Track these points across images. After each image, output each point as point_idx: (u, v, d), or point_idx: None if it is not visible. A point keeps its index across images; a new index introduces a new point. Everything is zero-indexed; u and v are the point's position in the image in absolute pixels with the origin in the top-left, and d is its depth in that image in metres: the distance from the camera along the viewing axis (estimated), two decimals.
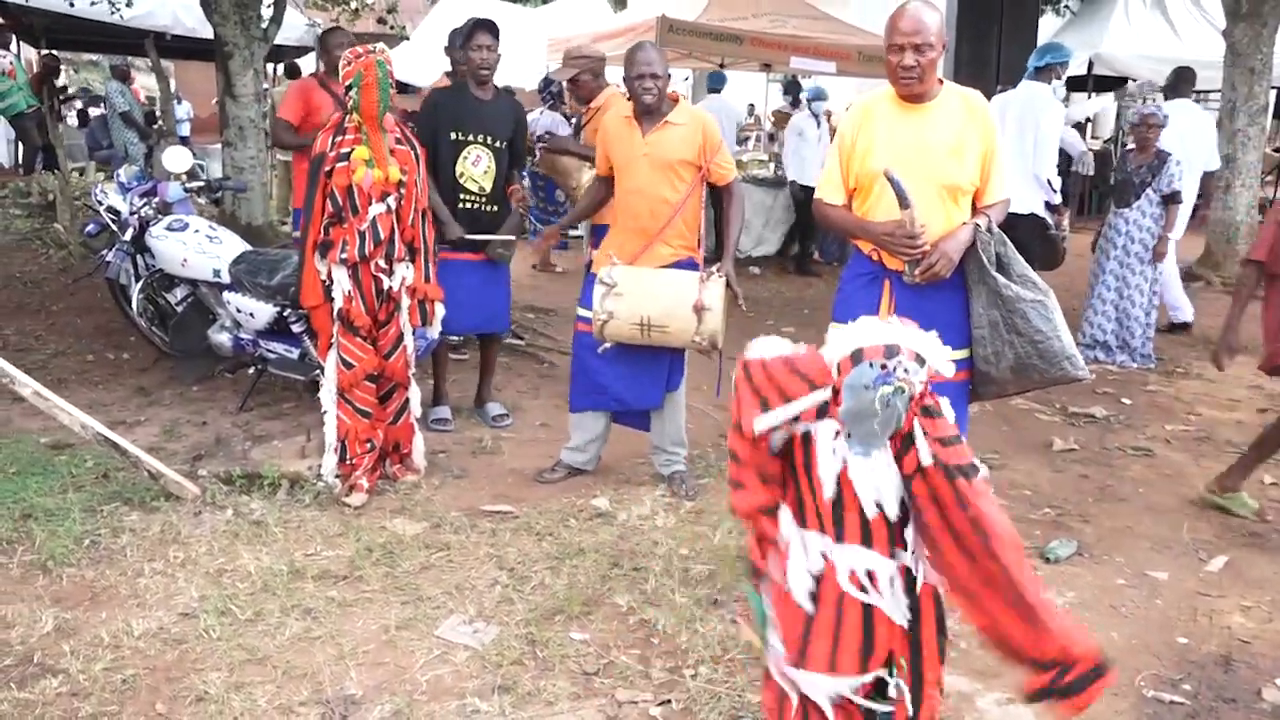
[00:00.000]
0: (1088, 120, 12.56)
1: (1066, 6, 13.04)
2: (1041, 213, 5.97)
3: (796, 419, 1.83)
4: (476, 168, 4.38)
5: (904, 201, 2.75)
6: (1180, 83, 7.40)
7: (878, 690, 1.88)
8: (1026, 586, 1.73)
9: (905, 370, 1.69)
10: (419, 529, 3.56)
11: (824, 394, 1.81)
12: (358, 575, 3.21)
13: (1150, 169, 6.03)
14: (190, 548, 3.35)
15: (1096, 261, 6.27)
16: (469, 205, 4.38)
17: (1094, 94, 13.70)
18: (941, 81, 2.92)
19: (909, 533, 1.84)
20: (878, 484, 1.80)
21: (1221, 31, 8.93)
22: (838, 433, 1.80)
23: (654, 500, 3.86)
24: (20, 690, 2.55)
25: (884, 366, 1.69)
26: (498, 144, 4.41)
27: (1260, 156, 9.05)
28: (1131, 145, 6.28)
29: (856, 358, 1.72)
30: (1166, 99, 7.56)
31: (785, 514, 1.92)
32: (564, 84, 7.96)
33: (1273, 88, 9.67)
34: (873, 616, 1.86)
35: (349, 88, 3.61)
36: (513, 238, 4.57)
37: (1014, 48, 9.06)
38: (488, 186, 4.41)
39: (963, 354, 2.97)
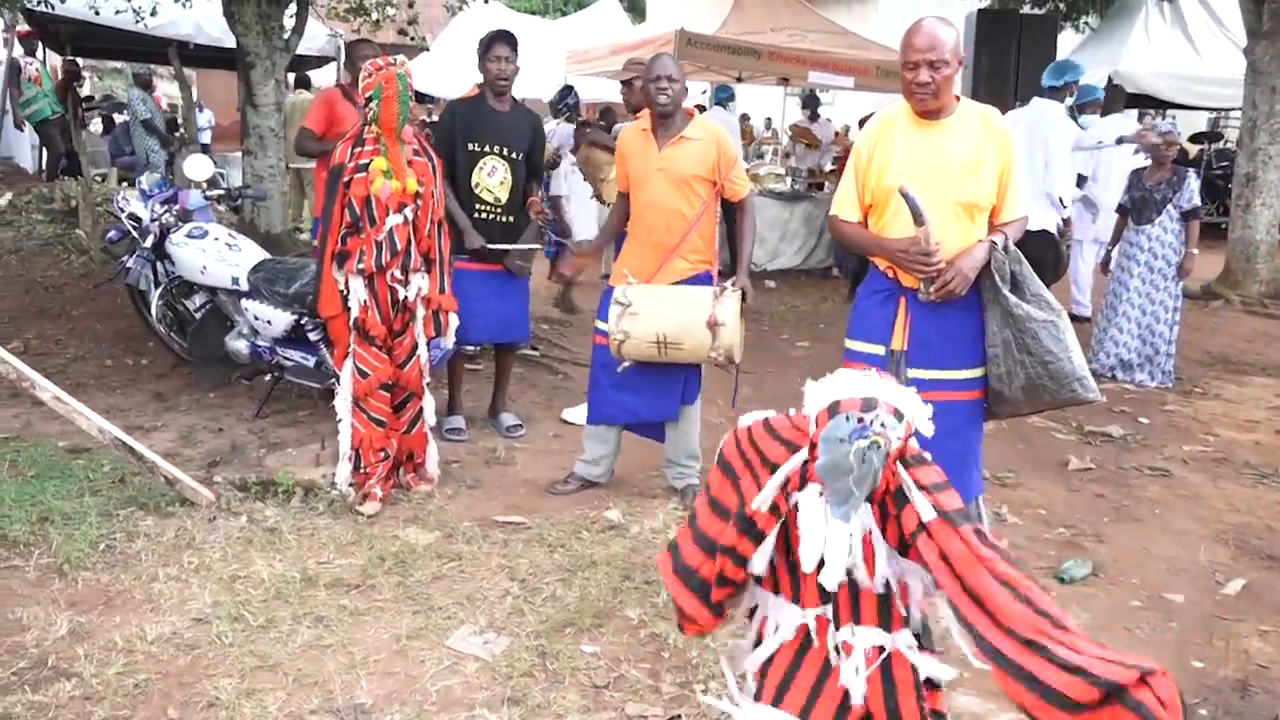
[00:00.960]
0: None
1: (1086, 23, 13.00)
2: (1052, 229, 5.95)
3: (786, 487, 1.79)
4: (492, 178, 4.40)
5: (919, 218, 2.74)
6: (1113, 100, 7.51)
7: None
8: (1050, 628, 1.62)
9: (882, 424, 1.66)
10: (431, 538, 3.57)
11: (804, 454, 1.78)
12: (370, 584, 3.22)
13: (1170, 185, 6.01)
14: (204, 553, 3.37)
15: (1116, 280, 6.23)
16: (484, 216, 4.41)
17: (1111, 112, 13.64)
18: (959, 98, 2.91)
19: (887, 607, 1.82)
20: (854, 550, 1.75)
21: (1242, 49, 8.89)
22: (821, 493, 1.75)
23: (667, 513, 3.86)
24: (34, 693, 2.57)
25: (860, 420, 1.65)
26: (514, 155, 4.43)
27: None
28: (1147, 163, 6.25)
29: (833, 410, 1.69)
30: (1103, 115, 7.67)
31: (763, 594, 1.92)
32: (579, 97, 8.02)
33: None
34: (847, 696, 1.83)
35: (369, 99, 3.64)
36: (535, 246, 4.60)
37: (1033, 63, 9.02)
38: (504, 197, 4.43)
39: (977, 372, 2.96)
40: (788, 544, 1.85)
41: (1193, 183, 5.99)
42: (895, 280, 2.93)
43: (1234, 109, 10.89)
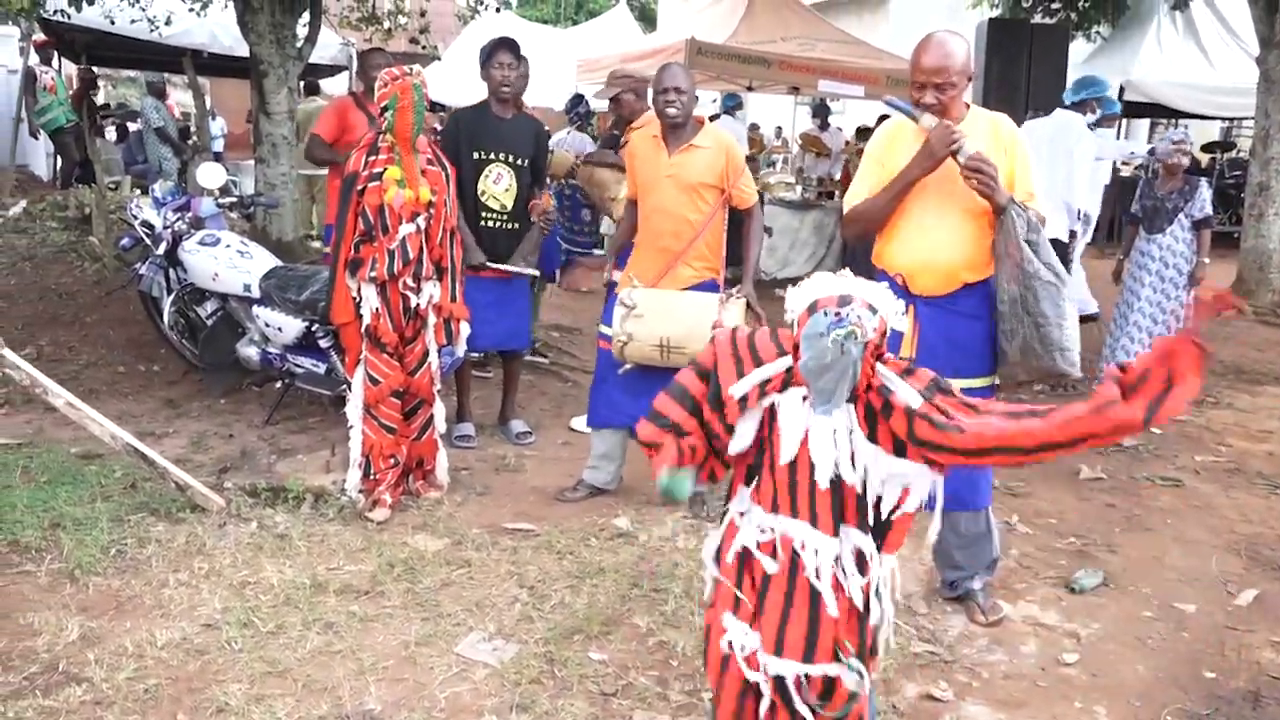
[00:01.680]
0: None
1: (1098, 33, 12.98)
2: (1064, 238, 5.95)
3: (766, 387, 1.88)
4: (498, 186, 4.42)
5: (914, 116, 2.80)
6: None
7: (825, 692, 1.91)
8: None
9: (858, 316, 1.75)
10: (440, 545, 3.57)
11: (789, 359, 1.87)
12: (379, 590, 3.22)
13: (1182, 194, 5.98)
14: (214, 559, 3.38)
15: (1128, 289, 6.21)
16: (491, 224, 4.43)
17: (1125, 120, 13.62)
18: (968, 105, 2.92)
19: (868, 510, 1.89)
20: (838, 446, 1.84)
21: (1255, 58, 8.87)
22: (804, 398, 1.85)
23: (675, 521, 3.85)
24: (45, 698, 2.58)
25: (837, 314, 1.75)
26: (519, 162, 4.46)
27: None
28: (1159, 171, 6.23)
29: (812, 309, 1.79)
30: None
31: (742, 490, 2.00)
32: (590, 105, 8.05)
33: None
34: (819, 603, 1.89)
35: (384, 109, 3.66)
36: (532, 272, 4.59)
37: (1043, 72, 9.01)
38: (509, 204, 4.46)
39: (986, 381, 2.96)
40: (771, 446, 1.91)
41: (1204, 192, 5.96)
42: (905, 289, 2.93)
43: (1247, 118, 10.85)
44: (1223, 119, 15.09)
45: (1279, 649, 3.12)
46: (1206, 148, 14.20)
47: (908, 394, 1.82)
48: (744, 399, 1.89)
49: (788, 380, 1.88)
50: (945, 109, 2.80)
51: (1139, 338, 6.13)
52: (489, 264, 4.38)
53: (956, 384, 2.88)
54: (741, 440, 1.93)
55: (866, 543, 1.90)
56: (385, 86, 3.66)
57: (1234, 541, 3.92)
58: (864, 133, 11.38)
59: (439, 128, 5.08)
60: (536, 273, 4.76)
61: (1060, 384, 5.99)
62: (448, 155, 4.27)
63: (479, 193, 4.40)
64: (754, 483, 1.97)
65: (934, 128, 2.75)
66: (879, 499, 1.89)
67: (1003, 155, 2.87)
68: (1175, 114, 13.03)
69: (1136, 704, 2.78)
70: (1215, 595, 3.47)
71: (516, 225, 4.50)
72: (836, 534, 1.90)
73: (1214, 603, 3.42)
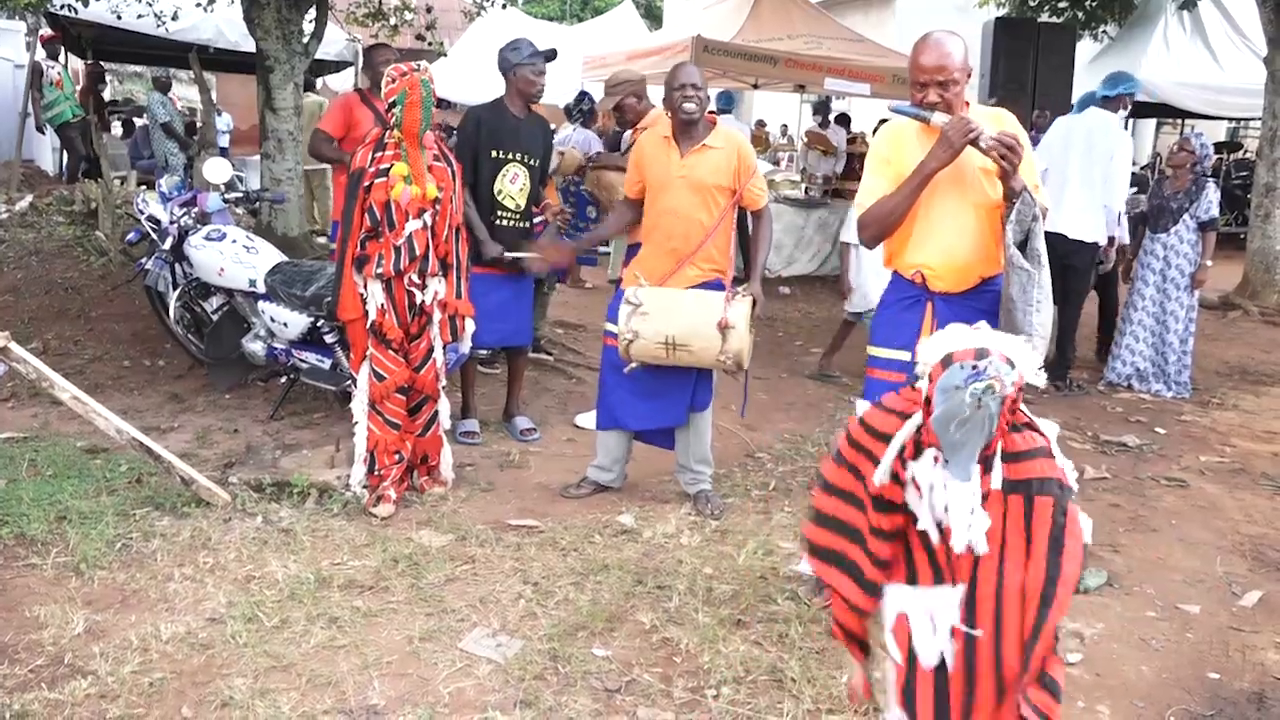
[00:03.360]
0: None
1: (1105, 32, 12.95)
2: (1102, 242, 5.91)
3: (903, 456, 1.81)
4: (514, 185, 4.43)
5: (923, 117, 2.79)
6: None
7: None
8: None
9: (996, 370, 1.68)
10: (445, 541, 3.58)
11: (917, 418, 1.80)
12: (383, 586, 3.23)
13: (1188, 195, 5.97)
14: (219, 554, 3.39)
15: (1134, 289, 6.20)
16: (506, 223, 4.44)
17: (1132, 120, 13.59)
18: (968, 104, 2.91)
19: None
20: (975, 514, 1.77)
21: (1263, 58, 8.84)
22: (936, 459, 1.78)
23: (679, 519, 3.86)
24: (50, 690, 2.59)
25: (974, 367, 1.68)
26: (533, 162, 4.48)
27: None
28: (1169, 172, 6.23)
29: (946, 362, 1.71)
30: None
31: (895, 588, 1.92)
32: (594, 102, 8.05)
33: None
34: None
35: (392, 105, 3.66)
36: (537, 256, 4.60)
37: (1050, 71, 9.01)
38: (523, 204, 4.48)
39: None
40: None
41: (1211, 193, 5.95)
42: (923, 286, 2.92)
43: (1254, 119, 10.81)
44: (1229, 119, 15.06)
45: None
46: (1213, 148, 14.15)
47: (995, 477, 1.77)
48: (896, 477, 1.83)
49: (919, 444, 1.81)
50: (950, 107, 2.79)
51: (1143, 336, 6.13)
52: (508, 254, 4.38)
53: None
54: (919, 513, 1.85)
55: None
56: (393, 82, 3.66)
57: (1239, 542, 3.91)
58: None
59: (454, 125, 5.08)
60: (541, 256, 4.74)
61: (1055, 382, 5.98)
62: (466, 152, 4.31)
63: (495, 192, 4.40)
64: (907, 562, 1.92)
65: (950, 121, 2.74)
66: None
67: None
68: (1182, 114, 12.99)
69: (1140, 704, 2.78)
70: (1220, 596, 3.47)
71: (528, 224, 4.53)
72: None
73: (1218, 603, 3.41)
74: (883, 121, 3.66)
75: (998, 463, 1.76)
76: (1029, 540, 1.78)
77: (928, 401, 1.74)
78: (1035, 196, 2.77)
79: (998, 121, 2.89)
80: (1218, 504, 4.32)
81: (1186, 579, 3.58)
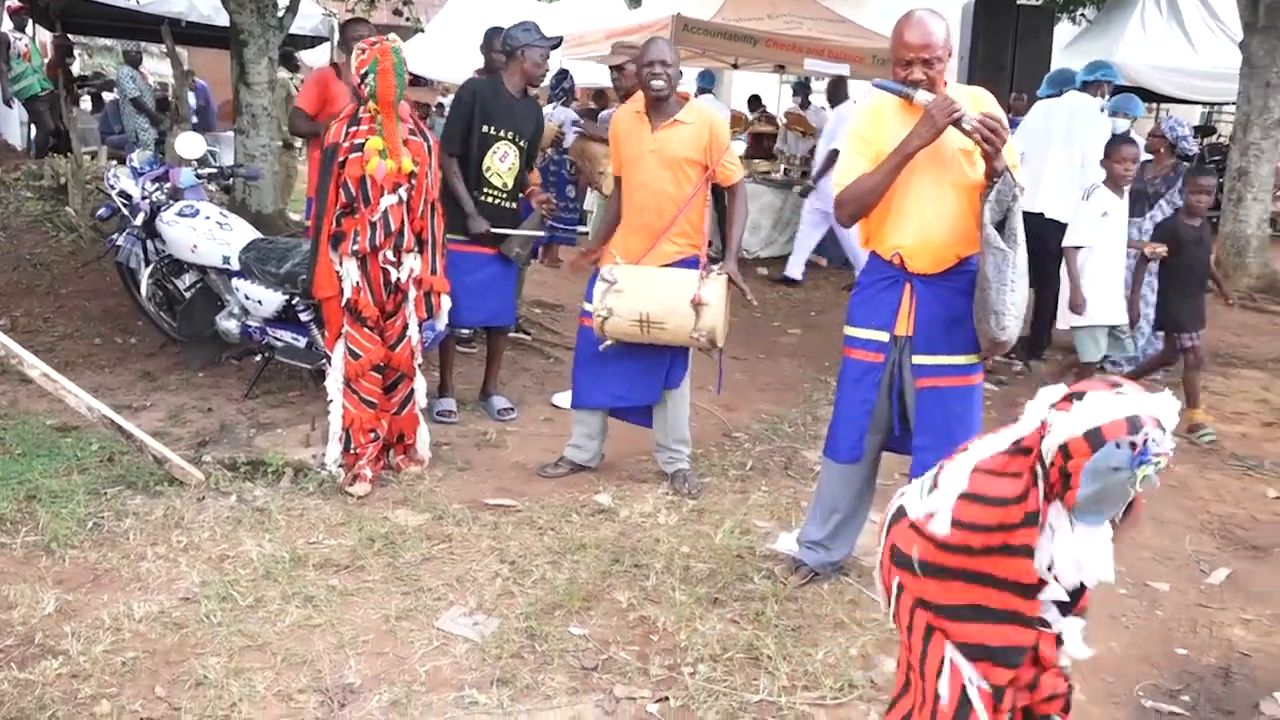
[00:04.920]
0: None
1: (1083, 15, 12.98)
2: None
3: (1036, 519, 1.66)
4: (503, 164, 4.42)
5: (907, 94, 2.78)
6: (838, 88, 8.37)
7: None
8: None
9: (1156, 443, 1.53)
10: (421, 520, 3.57)
11: (1037, 490, 1.64)
12: (359, 565, 3.22)
13: (1166, 181, 6.02)
14: (193, 533, 3.36)
15: None
16: (492, 200, 4.42)
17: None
18: (946, 83, 2.91)
19: None
20: (1104, 559, 1.69)
21: (1238, 44, 8.90)
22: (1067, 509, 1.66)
23: (656, 498, 3.86)
24: (21, 670, 2.57)
25: (1133, 445, 1.52)
26: (522, 142, 4.47)
27: (1273, 170, 9.01)
28: (1149, 156, 6.26)
29: (1094, 440, 1.53)
30: (831, 105, 8.38)
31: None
32: (574, 81, 8.00)
33: None
34: None
35: (364, 76, 3.62)
36: (537, 233, 4.63)
37: (1028, 54, 9.02)
38: (510, 183, 4.46)
39: (977, 358, 2.97)
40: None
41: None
42: (901, 267, 2.93)
43: (1228, 103, 10.90)
44: (1204, 104, 15.16)
45: (1249, 626, 3.18)
46: None
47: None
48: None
49: (1046, 504, 1.67)
50: (933, 84, 2.79)
51: (1140, 326, 6.19)
52: (494, 230, 4.36)
53: (952, 359, 2.92)
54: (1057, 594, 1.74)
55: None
56: (363, 53, 3.62)
57: (1207, 521, 3.97)
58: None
59: (429, 103, 5.05)
60: (542, 233, 4.78)
61: (1029, 361, 6.04)
62: (459, 123, 4.31)
63: (484, 169, 4.38)
64: None
65: (932, 99, 2.73)
66: None
67: None
68: (1158, 98, 13.06)
69: (1110, 680, 2.82)
70: (1188, 574, 3.52)
71: (514, 205, 4.51)
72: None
73: (1187, 581, 3.46)
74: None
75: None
76: None
77: (1065, 476, 1.58)
78: (1015, 177, 2.78)
79: (976, 101, 2.89)
80: (1187, 484, 4.38)
81: (1156, 557, 3.64)
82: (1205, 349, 5.19)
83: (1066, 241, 4.96)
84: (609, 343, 3.75)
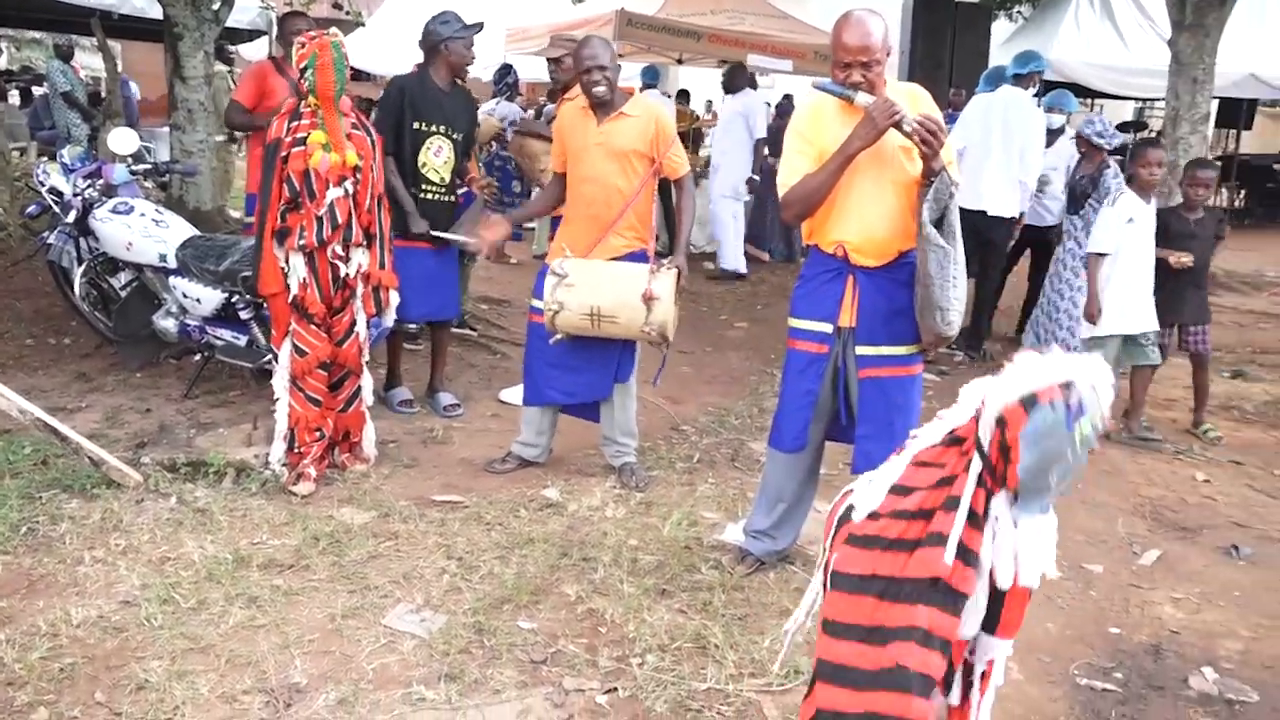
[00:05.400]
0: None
1: (1019, 12, 13.26)
2: (1015, 215, 6.13)
3: (973, 518, 1.61)
4: (438, 158, 4.40)
5: (848, 96, 2.81)
6: (735, 77, 8.52)
7: None
8: None
9: (1092, 401, 1.51)
10: (367, 518, 3.54)
11: (975, 467, 1.61)
12: (304, 564, 3.18)
13: (1091, 179, 6.17)
14: (132, 536, 3.30)
15: (1053, 266, 6.39)
16: (430, 196, 4.40)
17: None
18: (885, 81, 2.96)
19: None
20: (1048, 550, 1.63)
21: (1167, 40, 9.15)
22: (1009, 500, 1.61)
23: (604, 491, 3.88)
24: None
25: (1068, 405, 1.50)
26: (456, 136, 4.45)
27: (1186, 167, 9.27)
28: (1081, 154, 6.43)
29: (1029, 403, 1.51)
30: (726, 93, 8.59)
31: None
32: (518, 76, 7.96)
33: (1214, 97, 9.92)
34: None
35: (304, 70, 3.58)
36: (470, 240, 4.57)
37: (966, 50, 9.20)
38: (447, 177, 4.45)
39: (918, 348, 3.03)
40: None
41: (1109, 179, 6.18)
42: (844, 260, 2.97)
43: (1159, 99, 11.19)
44: (1136, 99, 15.56)
45: (1179, 605, 3.29)
46: (1120, 128, 14.64)
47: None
48: (963, 550, 1.61)
49: (987, 499, 1.61)
50: (873, 86, 2.83)
51: (1054, 315, 6.35)
52: (434, 233, 4.34)
53: (894, 350, 2.97)
54: (976, 615, 1.66)
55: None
56: (303, 48, 3.58)
57: (1139, 504, 4.10)
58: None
59: (373, 98, 5.01)
60: (474, 240, 4.73)
61: (969, 352, 6.18)
62: (389, 121, 4.27)
63: (419, 165, 4.36)
64: None
65: (873, 101, 2.78)
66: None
67: None
68: (1092, 94, 13.37)
69: (1046, 660, 2.90)
70: (1121, 555, 3.63)
71: (452, 198, 4.49)
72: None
73: (1120, 562, 3.57)
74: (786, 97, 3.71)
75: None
76: None
77: (1005, 450, 1.55)
78: (952, 174, 2.84)
79: (913, 99, 2.95)
80: (1120, 468, 4.51)
81: (1089, 539, 3.74)
82: (1210, 347, 5.14)
83: (1090, 248, 4.85)
84: (559, 337, 3.75)
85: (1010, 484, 1.57)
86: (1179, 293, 5.00)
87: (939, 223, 2.82)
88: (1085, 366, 1.53)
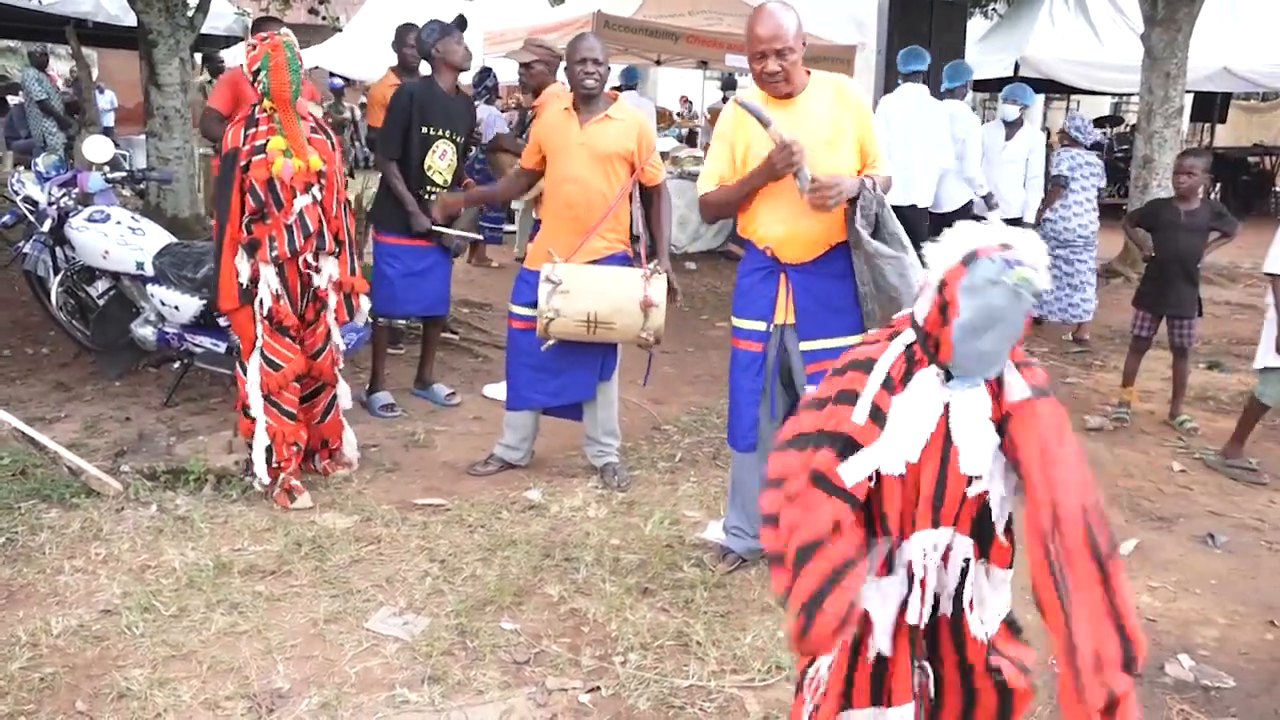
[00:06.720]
0: None
1: (994, 9, 13.34)
2: (975, 202, 6.48)
3: (888, 382, 1.62)
4: (442, 161, 4.51)
5: (764, 121, 2.86)
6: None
7: None
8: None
9: (1029, 259, 1.53)
10: (349, 523, 3.54)
11: (904, 338, 1.65)
12: (286, 570, 3.18)
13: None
14: (112, 544, 3.29)
15: None
16: (433, 197, 4.48)
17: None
18: (809, 72, 3.00)
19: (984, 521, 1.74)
20: (981, 428, 1.62)
21: (1140, 36, 9.23)
22: (937, 373, 1.62)
23: (586, 492, 3.89)
24: None
25: (1007, 260, 1.52)
26: (459, 139, 4.57)
27: (1175, 158, 9.38)
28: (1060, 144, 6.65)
29: (970, 259, 1.54)
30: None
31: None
32: (497, 79, 7.97)
33: (1187, 91, 10.02)
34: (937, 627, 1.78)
35: (256, 73, 3.49)
36: (475, 237, 4.74)
37: (943, 47, 9.24)
38: (450, 179, 4.57)
39: (857, 339, 3.05)
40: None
41: (1062, 156, 6.62)
42: (774, 258, 3.02)
43: (1134, 94, 11.28)
44: (1112, 95, 15.68)
45: (1155, 593, 3.32)
46: (1096, 123, 14.76)
47: (1018, 386, 1.62)
48: (875, 411, 1.61)
49: (909, 368, 1.63)
50: (788, 75, 2.89)
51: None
52: (435, 229, 4.45)
53: (836, 342, 3.00)
54: (894, 462, 1.63)
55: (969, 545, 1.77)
56: (254, 50, 3.50)
57: (1116, 495, 4.14)
58: None
59: (354, 105, 5.07)
60: (480, 237, 4.89)
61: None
62: (398, 127, 4.38)
63: (425, 168, 4.47)
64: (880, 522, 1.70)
65: (776, 146, 2.83)
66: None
67: (850, 118, 2.97)
68: (1068, 89, 13.48)
69: None
70: None
71: None
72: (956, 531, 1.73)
73: None
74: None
75: (1013, 373, 1.62)
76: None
77: (943, 309, 1.56)
78: (877, 179, 2.89)
79: (839, 90, 2.98)
80: (1098, 459, 4.55)
81: None
82: (1196, 339, 5.14)
83: (1268, 268, 4.21)
84: (551, 342, 3.75)
85: (944, 355, 1.59)
86: (1169, 284, 5.00)
87: (881, 233, 2.88)
88: (1027, 239, 1.57)
